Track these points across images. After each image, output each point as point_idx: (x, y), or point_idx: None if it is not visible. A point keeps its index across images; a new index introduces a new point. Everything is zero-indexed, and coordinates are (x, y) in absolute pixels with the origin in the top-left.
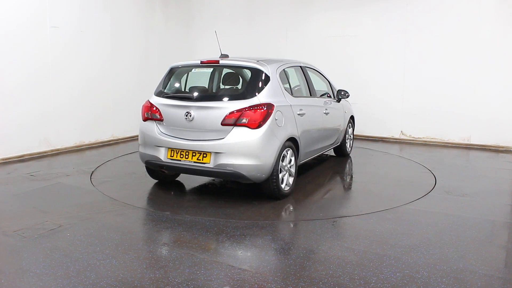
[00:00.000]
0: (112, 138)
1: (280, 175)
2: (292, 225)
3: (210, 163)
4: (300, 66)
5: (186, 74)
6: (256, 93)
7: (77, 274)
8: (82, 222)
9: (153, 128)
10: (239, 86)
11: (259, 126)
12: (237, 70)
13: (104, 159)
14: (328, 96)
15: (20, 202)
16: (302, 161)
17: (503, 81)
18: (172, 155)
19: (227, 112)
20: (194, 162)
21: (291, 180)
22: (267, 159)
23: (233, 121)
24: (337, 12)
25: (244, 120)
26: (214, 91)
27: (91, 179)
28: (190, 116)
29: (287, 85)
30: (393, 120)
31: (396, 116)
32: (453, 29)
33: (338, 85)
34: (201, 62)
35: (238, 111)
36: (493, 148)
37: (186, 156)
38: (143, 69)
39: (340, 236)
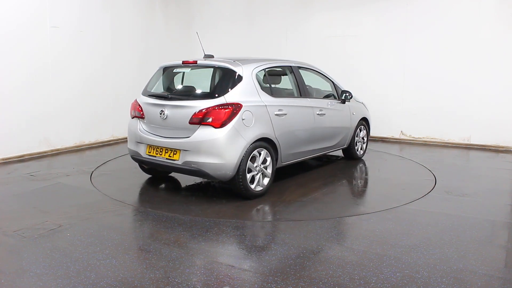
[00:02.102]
0: (112, 138)
1: (249, 175)
2: (292, 225)
3: (178, 160)
4: (291, 66)
5: (170, 74)
6: (224, 93)
7: (77, 274)
8: (82, 222)
9: (137, 125)
10: (212, 86)
11: (222, 125)
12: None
13: (104, 159)
14: (334, 98)
15: (20, 202)
16: (287, 162)
17: (503, 81)
18: (149, 151)
19: (194, 111)
20: (166, 158)
21: (266, 180)
22: (231, 158)
23: (199, 120)
24: (337, 12)
25: (209, 119)
26: (186, 90)
27: (91, 179)
28: (164, 114)
29: (267, 85)
30: (393, 120)
31: (396, 116)
32: (453, 29)
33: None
34: (183, 62)
35: (204, 110)
36: (493, 148)
37: (160, 153)
38: (143, 69)
39: (340, 236)
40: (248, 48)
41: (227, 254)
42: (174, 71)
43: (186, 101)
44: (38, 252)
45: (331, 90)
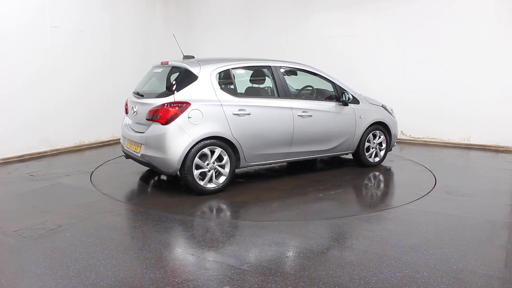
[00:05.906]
0: (112, 138)
1: (196, 172)
2: (292, 225)
3: (139, 153)
4: (270, 66)
5: (152, 74)
6: (175, 91)
7: (77, 274)
8: (82, 222)
9: (124, 121)
10: (167, 85)
11: (167, 122)
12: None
13: (104, 159)
14: (337, 100)
15: (20, 202)
16: (255, 163)
17: (503, 81)
18: (127, 144)
19: (149, 108)
20: (133, 151)
21: (222, 179)
22: (174, 154)
23: (151, 116)
24: (337, 12)
25: (157, 116)
26: (153, 89)
27: (91, 179)
28: (134, 111)
29: (231, 85)
30: None
31: (396, 116)
32: (453, 30)
33: None
34: (161, 63)
35: (155, 107)
36: (493, 148)
37: (131, 146)
38: (142, 69)
39: (340, 236)
40: (248, 48)
41: (227, 254)
42: (154, 71)
43: (147, 99)
44: (38, 252)
45: (333, 91)
